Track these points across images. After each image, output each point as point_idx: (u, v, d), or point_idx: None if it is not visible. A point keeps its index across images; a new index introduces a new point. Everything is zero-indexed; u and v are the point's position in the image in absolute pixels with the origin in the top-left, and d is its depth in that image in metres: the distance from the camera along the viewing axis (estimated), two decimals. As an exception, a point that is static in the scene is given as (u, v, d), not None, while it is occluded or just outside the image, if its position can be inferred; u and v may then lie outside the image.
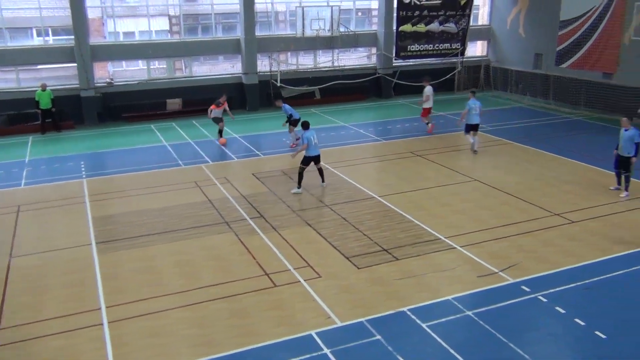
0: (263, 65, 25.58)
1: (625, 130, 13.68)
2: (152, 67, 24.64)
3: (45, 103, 21.17)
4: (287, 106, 18.94)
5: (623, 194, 13.81)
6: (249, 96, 25.13)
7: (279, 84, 25.29)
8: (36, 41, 23.34)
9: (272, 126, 21.97)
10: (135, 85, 23.74)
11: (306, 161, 14.44)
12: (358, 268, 10.37)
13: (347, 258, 10.78)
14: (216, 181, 15.55)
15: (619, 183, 14.06)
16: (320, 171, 14.83)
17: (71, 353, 8.10)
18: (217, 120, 19.43)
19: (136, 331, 8.59)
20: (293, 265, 10.52)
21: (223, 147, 18.91)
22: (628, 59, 22.09)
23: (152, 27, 24.58)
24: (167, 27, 25.54)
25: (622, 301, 9.18)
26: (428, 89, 20.35)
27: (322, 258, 10.82)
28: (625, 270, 10.10)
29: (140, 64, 24.90)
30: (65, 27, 22.86)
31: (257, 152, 18.52)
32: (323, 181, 14.82)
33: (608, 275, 9.94)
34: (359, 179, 15.48)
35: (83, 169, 16.88)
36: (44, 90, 21.18)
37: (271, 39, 25.69)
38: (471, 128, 17.88)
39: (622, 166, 13.86)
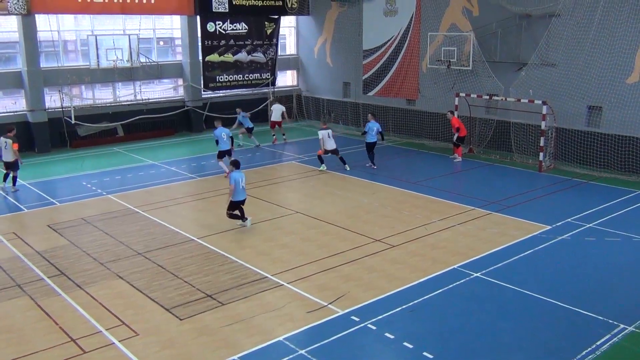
0: (53, 100, 23.98)
1: (370, 122, 20.10)
2: None
3: None
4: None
5: (373, 166, 19.90)
6: (38, 136, 23.32)
7: (73, 122, 23.87)
8: None
9: (68, 169, 20.58)
10: None
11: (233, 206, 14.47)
12: (180, 319, 10.07)
13: (167, 310, 10.41)
14: (2, 238, 14.06)
15: (374, 163, 20.09)
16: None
17: None
18: (11, 166, 17.32)
19: None
20: (104, 326, 9.86)
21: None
22: (426, 85, 24.82)
23: None
24: None
25: (443, 319, 10.09)
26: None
27: (139, 313, 10.31)
28: (443, 288, 11.16)
29: None
30: None
31: (52, 200, 17.15)
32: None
33: (429, 295, 10.89)
34: (174, 221, 15.12)
35: None
36: None
37: (60, 71, 24.21)
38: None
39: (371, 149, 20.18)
